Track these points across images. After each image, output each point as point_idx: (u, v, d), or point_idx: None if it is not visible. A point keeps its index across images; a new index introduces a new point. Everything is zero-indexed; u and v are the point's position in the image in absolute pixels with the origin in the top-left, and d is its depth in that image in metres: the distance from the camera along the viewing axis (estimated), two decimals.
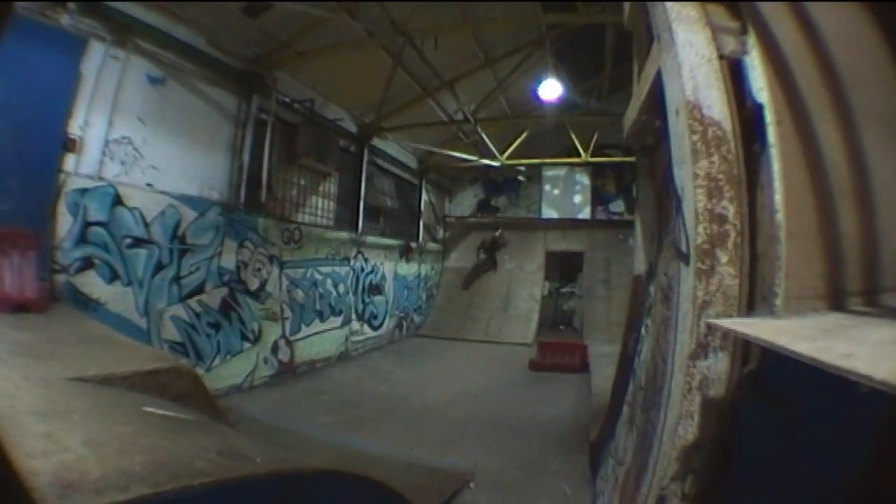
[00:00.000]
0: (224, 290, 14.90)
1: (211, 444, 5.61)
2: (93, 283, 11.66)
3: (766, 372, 3.52)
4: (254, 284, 16.01)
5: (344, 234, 20.89)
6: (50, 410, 5.49)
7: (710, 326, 3.72)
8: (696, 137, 3.95)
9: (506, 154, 25.49)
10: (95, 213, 11.77)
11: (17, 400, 5.57)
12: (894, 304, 3.40)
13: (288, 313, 17.50)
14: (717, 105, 3.99)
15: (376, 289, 23.94)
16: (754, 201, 3.88)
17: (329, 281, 20.02)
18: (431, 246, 29.75)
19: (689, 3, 4.40)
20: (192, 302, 13.91)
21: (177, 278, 13.50)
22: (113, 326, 10.69)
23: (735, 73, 4.06)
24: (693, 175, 3.91)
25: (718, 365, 3.74)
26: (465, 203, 31.67)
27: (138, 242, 12.59)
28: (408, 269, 27.00)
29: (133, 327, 12.24)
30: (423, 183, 28.63)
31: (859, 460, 2.49)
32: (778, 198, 3.58)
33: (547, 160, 26.84)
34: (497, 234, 28.97)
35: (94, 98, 11.74)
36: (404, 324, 26.39)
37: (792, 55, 3.84)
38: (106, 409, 6.10)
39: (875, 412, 2.35)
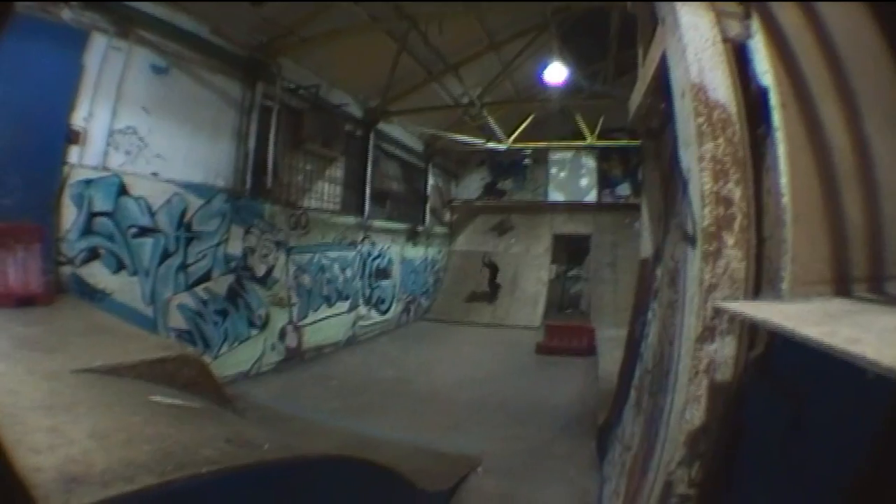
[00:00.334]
0: (231, 277, 14.89)
1: (218, 432, 5.61)
2: (99, 274, 11.67)
3: (773, 357, 3.52)
4: (261, 270, 16.01)
5: (350, 219, 20.86)
6: (56, 404, 5.49)
7: (716, 310, 3.71)
8: (701, 120, 3.94)
9: (512, 137, 25.47)
10: (100, 203, 11.77)
11: (21, 395, 5.58)
12: None
13: (295, 299, 17.50)
14: (721, 88, 3.98)
15: (383, 273, 23.92)
16: (760, 184, 3.87)
17: (336, 266, 20.01)
18: (438, 229, 29.71)
19: None
20: (199, 289, 13.92)
21: (183, 266, 13.50)
22: (119, 316, 10.70)
23: (739, 57, 4.04)
24: (699, 157, 3.91)
25: (725, 349, 3.74)
26: (471, 186, 31.57)
27: (144, 231, 12.58)
28: (415, 252, 26.97)
29: (140, 316, 12.23)
30: (430, 166, 28.55)
31: (864, 447, 2.48)
32: (784, 181, 3.57)
33: (553, 143, 26.86)
34: (491, 259, 29.33)
35: (97, 89, 11.74)
36: (412, 308, 26.41)
37: (794, 40, 3.82)
38: (113, 400, 6.07)
39: (880, 399, 2.34)
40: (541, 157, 29.41)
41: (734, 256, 3.74)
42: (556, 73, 19.36)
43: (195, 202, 13.78)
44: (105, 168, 11.82)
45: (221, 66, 14.47)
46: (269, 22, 14.82)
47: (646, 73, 6.79)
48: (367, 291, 22.37)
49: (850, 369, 1.99)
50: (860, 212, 3.48)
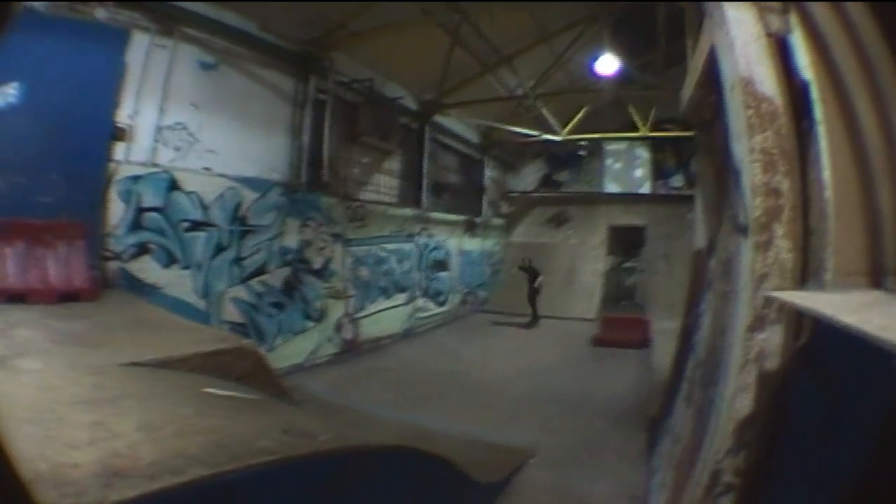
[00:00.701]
0: (287, 270, 15.00)
1: (275, 423, 5.61)
2: (149, 269, 11.83)
3: (815, 346, 3.55)
4: (317, 263, 16.06)
5: (408, 211, 20.92)
6: (100, 398, 5.46)
7: (767, 299, 3.75)
8: (750, 112, 3.99)
9: (567, 129, 25.37)
10: (150, 199, 11.91)
11: (60, 390, 5.56)
12: None
13: (352, 291, 17.59)
14: (768, 81, 4.02)
15: (441, 265, 23.96)
16: (805, 177, 3.90)
17: (394, 258, 20.06)
18: (496, 221, 29.66)
19: None
20: (254, 282, 14.03)
21: (238, 259, 13.62)
22: (171, 310, 10.83)
23: (781, 51, 4.07)
24: (749, 149, 3.95)
25: (774, 338, 3.78)
26: (528, 178, 31.42)
27: (197, 226, 12.71)
28: (472, 244, 26.95)
29: (193, 310, 12.38)
30: (487, 158, 28.58)
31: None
32: (826, 174, 3.61)
33: (607, 135, 26.49)
34: (529, 261, 25.94)
35: (142, 87, 11.87)
36: (469, 300, 26.39)
37: (829, 36, 3.85)
38: (163, 393, 6.09)
39: None
40: (596, 149, 29.15)
41: (783, 247, 3.79)
42: (607, 64, 19.30)
43: (250, 196, 13.89)
44: (154, 164, 11.95)
45: (272, 61, 14.57)
46: (319, 17, 14.90)
47: (695, 65, 6.79)
48: (425, 283, 22.40)
49: (884, 361, 2.04)
50: (891, 206, 3.51)
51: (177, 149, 12.36)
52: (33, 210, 10.56)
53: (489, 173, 28.79)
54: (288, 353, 14.56)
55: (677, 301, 12.46)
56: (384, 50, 17.05)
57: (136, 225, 11.72)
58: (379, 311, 18.83)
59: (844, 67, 3.71)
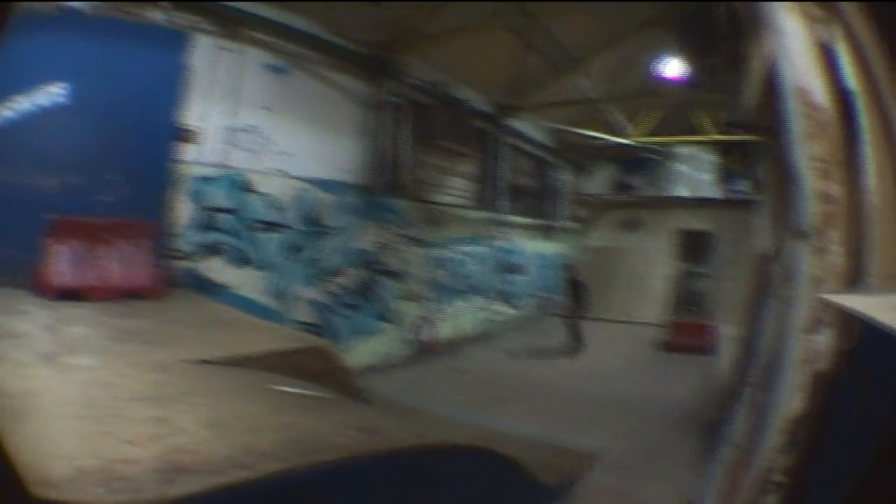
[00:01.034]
0: (362, 272, 15.16)
1: (349, 420, 5.70)
2: (219, 268, 12.00)
3: (861, 348, 3.64)
4: (393, 265, 16.24)
5: (484, 214, 21.05)
6: (163, 395, 5.55)
7: (822, 302, 3.85)
8: (807, 122, 4.09)
9: (638, 132, 25.37)
10: (220, 199, 12.09)
11: (118, 387, 5.65)
12: None
13: (428, 293, 17.75)
14: (820, 91, 4.12)
15: (516, 268, 24.07)
16: (854, 184, 3.99)
17: (470, 260, 20.20)
18: (570, 225, 29.65)
19: None
20: (329, 283, 14.19)
21: (312, 261, 13.76)
22: (243, 309, 10.92)
23: (828, 60, 4.16)
24: (807, 157, 4.06)
25: (826, 340, 3.87)
26: (601, 181, 31.31)
27: (270, 227, 12.88)
28: (547, 248, 27.04)
29: (265, 310, 12.50)
30: (561, 162, 28.61)
31: None
32: (872, 181, 3.70)
33: (675, 138, 26.47)
34: (576, 276, 22.09)
35: (209, 89, 12.05)
36: (543, 303, 26.37)
37: (866, 45, 3.94)
38: (234, 390, 6.19)
39: None
40: (666, 153, 29.02)
41: (837, 252, 3.88)
42: (673, 67, 19.35)
43: (324, 198, 14.09)
44: (225, 166, 12.14)
45: (344, 64, 14.74)
46: (389, 20, 15.06)
47: (756, 71, 6.85)
48: (500, 286, 22.55)
49: None
50: None
51: (250, 151, 12.55)
52: (92, 209, 10.78)
53: (564, 177, 28.78)
54: (361, 354, 14.71)
55: (744, 306, 12.47)
56: (456, 53, 17.21)
57: (205, 225, 11.90)
58: (454, 313, 18.97)
59: (881, 75, 3.80)
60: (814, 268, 3.93)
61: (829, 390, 3.84)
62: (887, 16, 3.79)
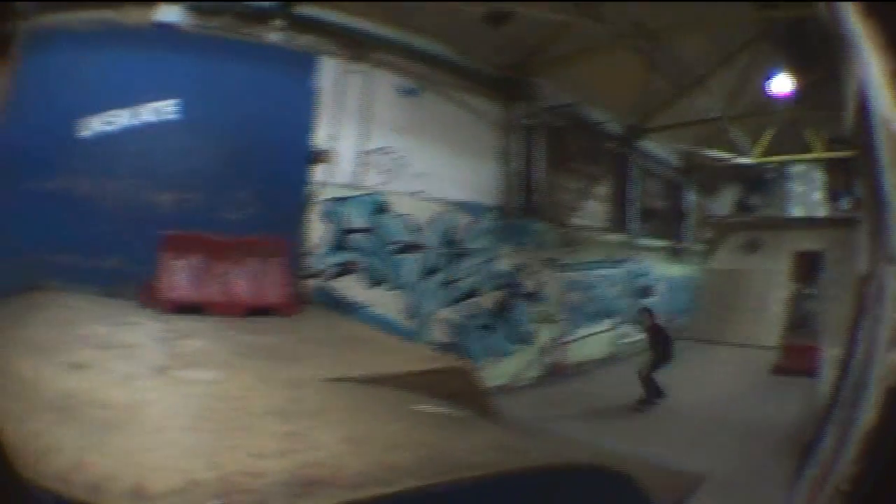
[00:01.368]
0: (498, 294, 15.74)
1: (484, 439, 5.92)
2: (354, 287, 12.50)
3: None
4: (528, 287, 16.78)
5: (616, 237, 21.48)
6: (296, 410, 5.94)
7: None
8: (892, 149, 4.27)
9: (756, 151, 25.42)
10: (355, 220, 12.64)
11: (245, 401, 6.08)
12: None
13: (561, 316, 18.21)
14: None
15: (646, 291, 24.39)
16: None
17: (602, 283, 20.59)
18: (696, 247, 29.84)
19: (861, 14, 4.63)
20: (465, 304, 14.78)
21: (449, 282, 14.32)
22: (377, 328, 11.43)
23: None
24: (892, 185, 4.23)
25: None
26: (725, 202, 31.51)
27: (407, 248, 13.43)
28: (675, 270, 27.29)
29: (400, 329, 12.96)
30: (687, 183, 28.78)
31: None
32: None
33: (789, 157, 26.90)
34: (653, 318, 18.87)
35: (339, 111, 12.66)
36: (671, 326, 26.02)
37: None
38: (371, 408, 6.53)
39: None
40: (781, 171, 29.07)
41: None
42: (781, 83, 19.46)
43: (462, 220, 14.79)
44: (359, 186, 12.65)
45: (474, 86, 15.37)
46: (517, 42, 15.46)
47: (849, 92, 6.96)
48: (630, 309, 22.51)
49: None
50: None
51: (385, 172, 13.14)
52: (217, 226, 11.38)
53: (691, 198, 28.67)
54: (493, 374, 15.05)
55: (844, 327, 12.47)
56: (584, 75, 17.76)
57: (340, 245, 12.49)
58: (585, 335, 19.35)
59: None
60: None
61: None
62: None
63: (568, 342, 18.40)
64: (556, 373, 17.48)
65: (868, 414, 4.04)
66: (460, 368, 9.20)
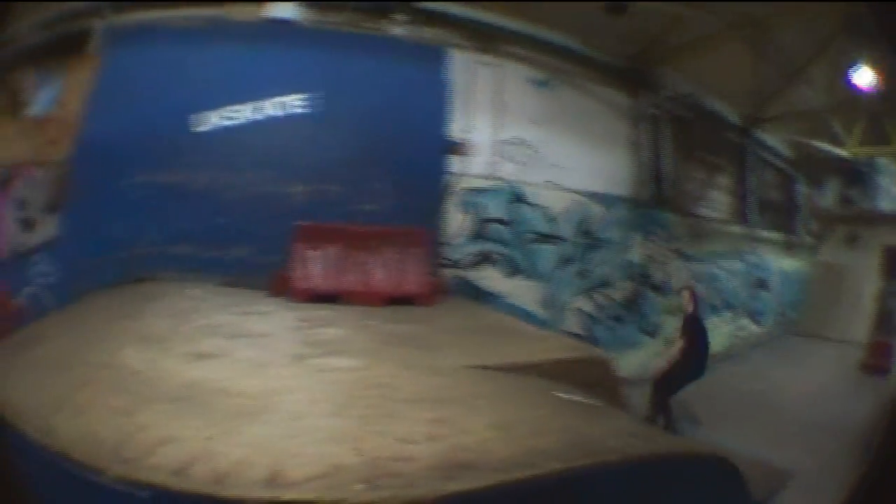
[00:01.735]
0: (629, 284, 15.72)
1: (620, 426, 6.25)
2: (491, 277, 12.80)
3: None
4: (658, 279, 16.60)
5: (737, 228, 21.19)
6: (441, 397, 6.15)
7: None
8: None
9: (851, 144, 24.74)
10: (494, 210, 12.89)
11: (391, 388, 6.28)
12: None
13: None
14: None
15: (762, 284, 23.85)
16: None
17: (724, 275, 20.25)
18: (806, 240, 29.04)
19: None
20: (597, 295, 14.82)
21: (582, 272, 14.39)
22: (514, 318, 11.61)
23: None
24: None
25: None
26: (830, 195, 30.35)
27: (543, 238, 13.57)
28: (789, 264, 26.64)
29: (534, 319, 13.06)
30: (799, 175, 28.16)
31: None
32: None
33: (874, 150, 25.52)
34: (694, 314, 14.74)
35: (471, 103, 12.85)
36: (783, 320, 25.92)
37: None
38: (516, 395, 6.71)
39: None
40: (872, 164, 27.99)
41: None
42: (863, 76, 19.05)
43: (596, 210, 14.76)
44: (496, 177, 12.84)
45: (602, 77, 15.34)
46: (639, 31, 15.45)
47: None
48: (748, 302, 22.42)
49: None
50: None
51: (519, 163, 13.29)
52: (354, 217, 11.75)
53: (803, 190, 28.35)
54: (621, 365, 14.73)
55: None
56: (702, 64, 17.37)
57: (477, 235, 12.71)
58: (712, 328, 18.97)
59: None
60: None
61: None
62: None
63: None
64: None
65: None
66: (598, 358, 9.36)
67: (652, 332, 16.39)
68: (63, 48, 12.46)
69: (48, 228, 11.81)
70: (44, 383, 6.06)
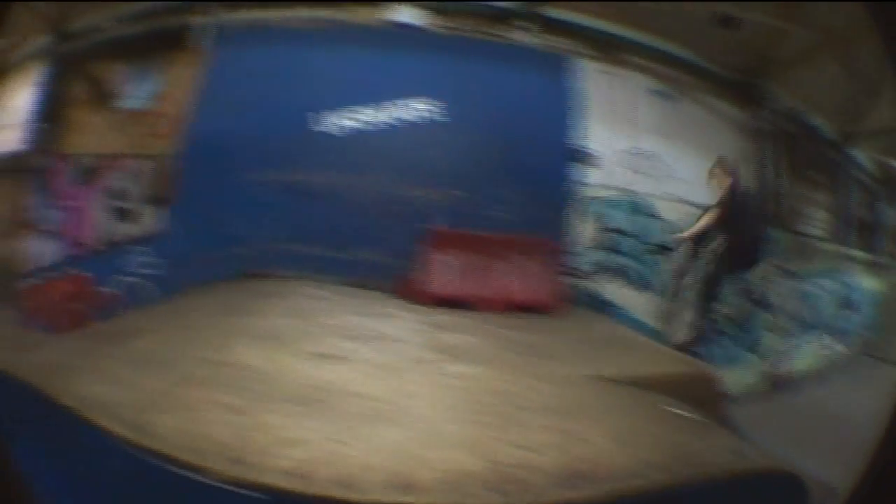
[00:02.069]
0: (740, 301, 15.47)
1: (723, 443, 6.12)
2: (611, 288, 12.62)
3: None
4: (765, 296, 16.50)
5: (835, 247, 20.82)
6: (562, 406, 6.03)
7: None
8: None
9: None
10: (618, 221, 12.72)
11: (515, 396, 6.19)
12: None
13: (790, 327, 17.90)
14: None
15: (852, 305, 23.57)
16: None
17: (823, 295, 20.07)
18: (888, 261, 28.54)
19: None
20: (709, 310, 14.28)
21: (697, 286, 13.96)
22: (636, 331, 11.55)
23: None
24: None
25: None
26: None
27: (662, 250, 13.37)
28: (873, 284, 26.26)
29: (651, 331, 12.97)
30: (885, 193, 27.66)
31: None
32: None
33: None
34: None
35: (595, 112, 12.63)
36: (866, 343, 25.46)
37: None
38: (631, 407, 6.63)
39: None
40: None
41: None
42: None
43: None
44: (621, 188, 12.78)
45: (718, 90, 15.11)
46: (745, 45, 15.38)
47: None
48: (840, 323, 22.07)
49: None
50: None
51: (644, 175, 13.11)
52: (480, 223, 11.65)
53: (886, 210, 27.91)
54: (726, 382, 14.80)
55: None
56: (802, 79, 17.11)
57: (602, 245, 12.55)
58: (805, 348, 18.93)
59: None
60: None
61: None
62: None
63: (791, 355, 18.00)
64: (776, 385, 17.19)
65: None
66: (706, 374, 9.31)
67: (754, 350, 16.25)
68: (158, 43, 12.72)
69: (148, 220, 11.92)
70: (139, 378, 5.92)
